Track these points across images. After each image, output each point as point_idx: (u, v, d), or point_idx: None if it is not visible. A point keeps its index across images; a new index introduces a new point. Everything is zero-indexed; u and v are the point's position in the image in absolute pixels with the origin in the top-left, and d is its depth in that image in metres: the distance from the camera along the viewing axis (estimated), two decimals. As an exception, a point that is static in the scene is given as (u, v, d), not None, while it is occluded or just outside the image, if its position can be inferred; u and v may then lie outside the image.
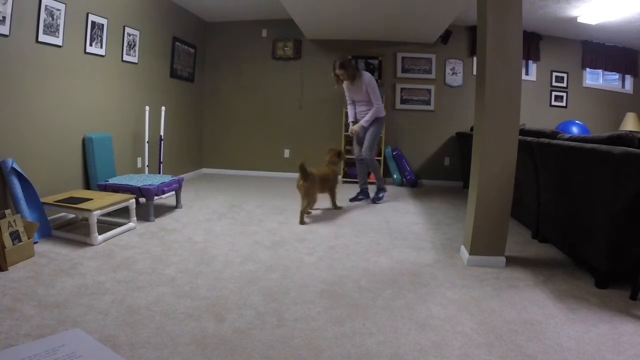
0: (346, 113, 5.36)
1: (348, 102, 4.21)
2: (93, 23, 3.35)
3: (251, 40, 5.68)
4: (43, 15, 2.82)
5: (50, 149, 3.02)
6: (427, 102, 5.59)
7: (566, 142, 2.43)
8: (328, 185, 3.67)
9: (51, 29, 2.91)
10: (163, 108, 4.42)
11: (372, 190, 4.34)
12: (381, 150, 5.42)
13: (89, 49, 3.34)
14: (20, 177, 2.59)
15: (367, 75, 3.91)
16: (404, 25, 4.69)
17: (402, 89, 5.59)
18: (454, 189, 5.39)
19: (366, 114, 3.98)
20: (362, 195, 4.27)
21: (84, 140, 3.36)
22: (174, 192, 3.62)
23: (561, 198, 2.58)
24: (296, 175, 3.39)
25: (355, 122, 4.14)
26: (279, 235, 2.96)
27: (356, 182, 5.39)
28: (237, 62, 5.75)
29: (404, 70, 5.58)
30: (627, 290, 2.06)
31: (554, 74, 5.58)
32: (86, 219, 2.70)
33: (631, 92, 5.72)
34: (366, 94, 3.92)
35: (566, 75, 5.59)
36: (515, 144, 2.36)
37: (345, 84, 4.03)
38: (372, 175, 5.38)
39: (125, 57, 3.87)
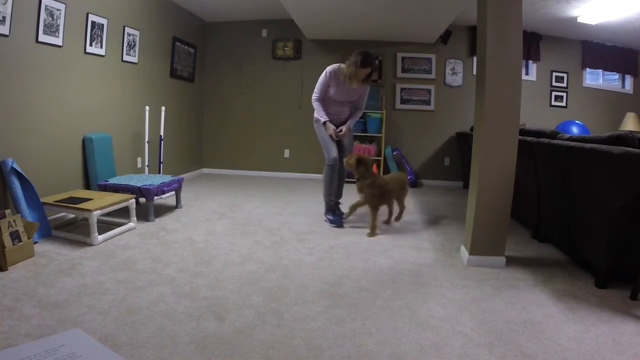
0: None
1: (321, 99, 3.38)
2: (93, 23, 3.35)
3: (251, 40, 5.68)
4: (43, 15, 2.82)
5: (50, 149, 3.02)
6: (427, 102, 5.59)
7: (566, 142, 2.43)
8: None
9: (51, 29, 2.91)
10: (163, 108, 4.41)
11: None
12: (381, 150, 5.43)
13: (89, 49, 3.34)
14: (20, 177, 2.59)
15: None
16: (404, 25, 4.69)
17: (402, 89, 5.59)
18: (454, 189, 5.39)
19: (342, 115, 3.46)
20: (338, 210, 3.50)
21: (84, 140, 3.36)
22: (174, 192, 3.62)
23: (561, 198, 2.58)
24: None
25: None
26: (279, 235, 2.96)
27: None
28: (237, 62, 5.75)
29: (404, 70, 5.58)
30: (627, 290, 2.06)
31: (554, 74, 5.58)
32: (86, 219, 2.70)
33: (631, 92, 5.72)
34: (358, 97, 3.44)
35: (566, 75, 5.59)
36: (515, 144, 2.36)
37: (349, 83, 3.26)
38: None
39: (125, 57, 3.87)
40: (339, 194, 3.54)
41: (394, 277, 2.25)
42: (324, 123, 3.37)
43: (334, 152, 3.35)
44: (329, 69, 3.34)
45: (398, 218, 3.47)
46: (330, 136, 3.34)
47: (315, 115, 3.42)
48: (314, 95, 3.40)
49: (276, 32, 5.62)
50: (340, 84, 3.33)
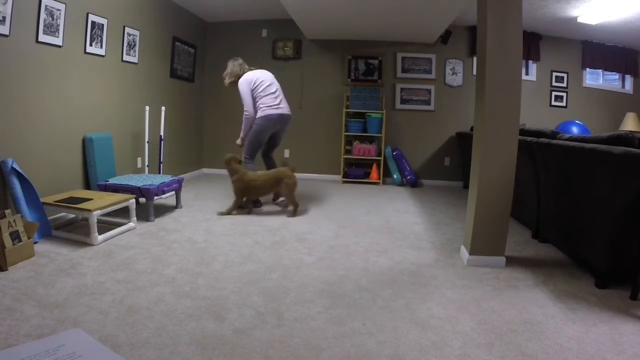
0: (346, 113, 5.42)
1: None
2: (93, 23, 3.35)
3: (251, 40, 5.68)
4: (43, 15, 2.82)
5: (50, 149, 3.02)
6: (427, 102, 5.59)
7: (566, 142, 2.43)
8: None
9: (51, 29, 2.91)
10: (163, 108, 4.42)
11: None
12: (381, 150, 5.43)
13: (89, 49, 3.34)
14: (20, 177, 2.59)
15: (241, 80, 3.75)
16: (404, 25, 4.69)
17: (402, 89, 5.59)
18: (454, 189, 5.39)
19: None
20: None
21: (84, 140, 3.36)
22: (174, 192, 3.62)
23: (561, 198, 2.58)
24: (296, 175, 3.51)
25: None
26: (279, 235, 2.96)
27: (357, 182, 5.42)
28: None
29: (404, 70, 5.58)
30: (627, 290, 2.06)
31: (554, 74, 5.58)
32: (86, 219, 2.70)
33: (631, 92, 5.71)
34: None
35: (566, 75, 5.59)
36: (515, 144, 2.36)
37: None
38: (373, 175, 5.43)
39: (125, 57, 3.87)
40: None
41: (394, 277, 2.25)
42: None
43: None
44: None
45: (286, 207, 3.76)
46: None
47: None
48: None
49: (276, 32, 5.62)
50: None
